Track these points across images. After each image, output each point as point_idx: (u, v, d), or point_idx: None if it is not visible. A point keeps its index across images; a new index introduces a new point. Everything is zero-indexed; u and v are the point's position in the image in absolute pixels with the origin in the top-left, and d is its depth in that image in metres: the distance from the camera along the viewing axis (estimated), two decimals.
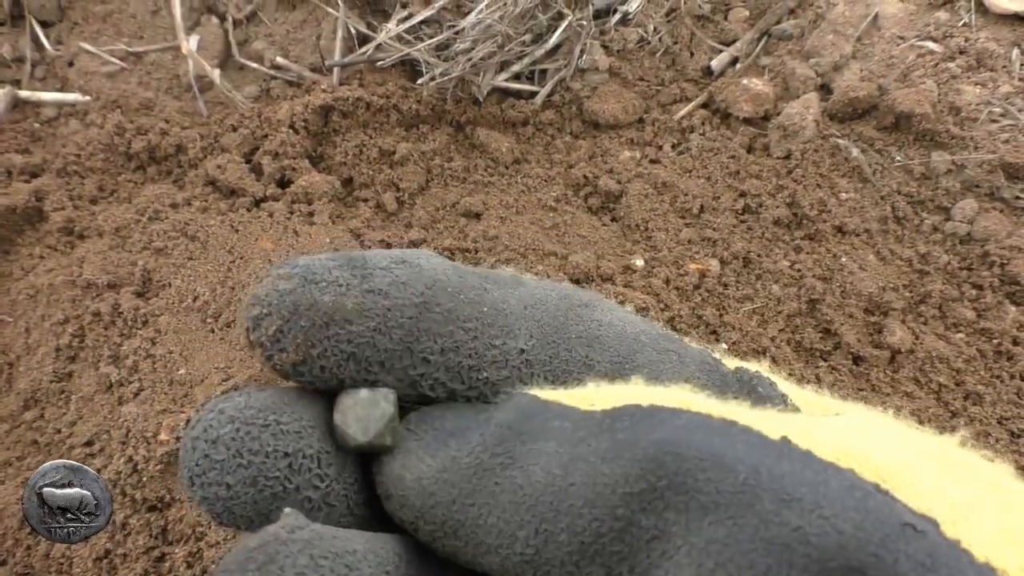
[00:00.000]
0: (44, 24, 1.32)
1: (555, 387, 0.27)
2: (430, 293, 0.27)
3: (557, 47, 1.21)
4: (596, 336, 0.29)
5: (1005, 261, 1.01)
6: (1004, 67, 1.14)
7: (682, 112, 1.20)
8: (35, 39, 1.30)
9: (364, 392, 0.27)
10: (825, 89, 1.20)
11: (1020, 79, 1.11)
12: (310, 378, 0.27)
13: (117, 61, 1.27)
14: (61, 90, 1.26)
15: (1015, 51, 1.14)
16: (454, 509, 0.23)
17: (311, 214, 1.08)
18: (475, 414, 0.26)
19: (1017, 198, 1.05)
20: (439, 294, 0.27)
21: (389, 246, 1.05)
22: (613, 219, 1.13)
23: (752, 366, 0.30)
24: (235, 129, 1.16)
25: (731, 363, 0.31)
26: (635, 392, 0.25)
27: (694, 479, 0.20)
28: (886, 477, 0.20)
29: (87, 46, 1.28)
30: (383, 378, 0.27)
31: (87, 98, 1.23)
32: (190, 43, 1.24)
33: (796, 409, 0.28)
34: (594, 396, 0.25)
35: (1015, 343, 0.97)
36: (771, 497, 0.19)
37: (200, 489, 0.25)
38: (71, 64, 1.28)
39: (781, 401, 0.28)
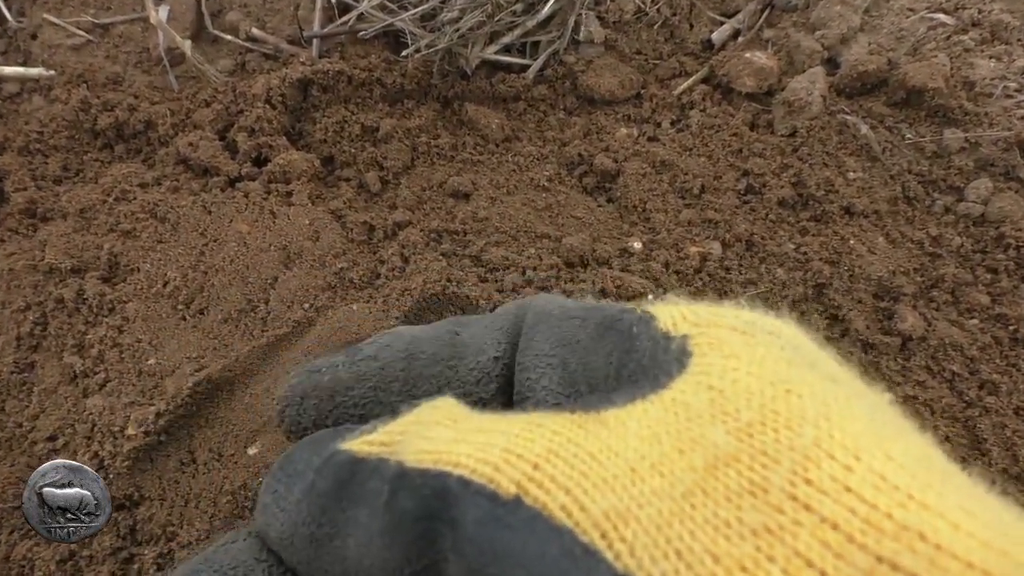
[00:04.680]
0: None
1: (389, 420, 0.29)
2: (413, 346, 0.33)
3: (550, 18, 1.16)
4: (527, 321, 0.33)
5: (1021, 243, 0.96)
6: (1019, 40, 1.09)
7: (682, 87, 1.15)
8: None
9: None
10: (832, 63, 1.15)
11: None
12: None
13: (83, 33, 1.20)
14: (24, 64, 1.20)
15: None
16: (309, 569, 0.26)
17: (289, 194, 1.02)
18: (319, 454, 0.28)
19: None
20: (421, 343, 0.33)
21: (372, 228, 1.00)
22: (609, 199, 1.07)
23: (656, 307, 0.31)
24: (208, 104, 1.10)
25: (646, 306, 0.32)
26: (413, 431, 0.27)
27: (446, 560, 0.22)
28: (610, 526, 0.20)
29: (51, 18, 1.21)
30: None
31: (51, 72, 1.16)
32: (160, 14, 1.17)
33: (683, 355, 0.27)
34: (395, 440, 0.27)
35: None
36: None
37: None
38: (34, 37, 1.22)
39: (646, 332, 0.29)
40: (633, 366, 0.28)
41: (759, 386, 0.23)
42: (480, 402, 0.32)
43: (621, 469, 0.22)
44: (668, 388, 0.25)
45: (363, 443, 0.27)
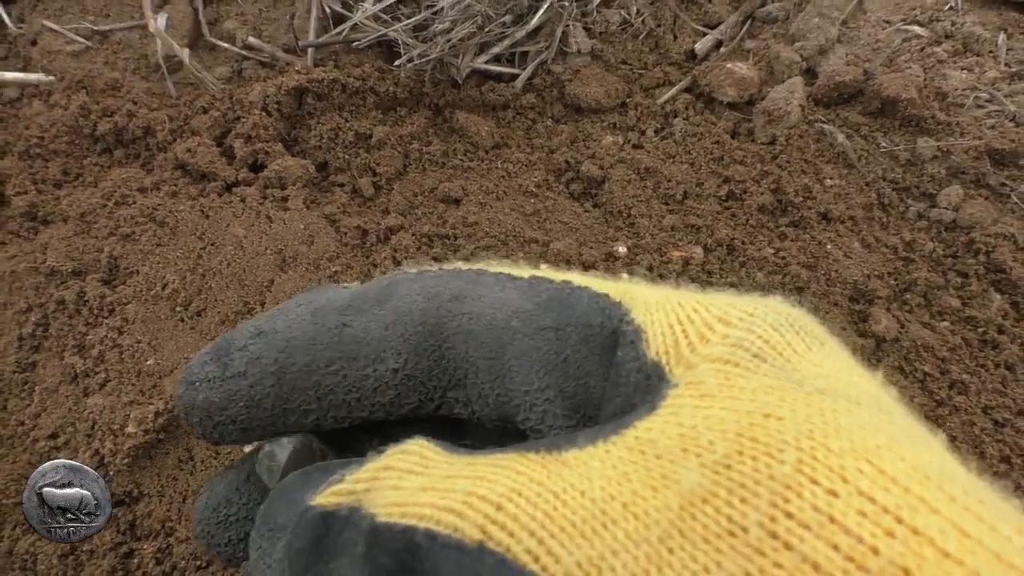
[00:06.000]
0: (5, 1, 1.27)
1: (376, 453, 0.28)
2: (283, 356, 0.31)
3: (538, 29, 1.19)
4: (469, 331, 0.30)
5: (990, 249, 1.00)
6: (990, 52, 1.12)
7: (665, 96, 1.18)
8: None
9: (267, 446, 0.31)
10: (810, 73, 1.18)
11: (1006, 64, 1.10)
12: (235, 445, 0.33)
13: (82, 40, 1.22)
14: (24, 70, 1.22)
15: (1001, 36, 1.13)
16: None
17: (285, 199, 1.05)
18: (296, 506, 0.28)
19: (1003, 185, 1.04)
20: (293, 353, 0.31)
21: (365, 232, 1.02)
22: (595, 205, 1.11)
23: (640, 303, 0.29)
24: (206, 111, 1.12)
25: (622, 292, 0.30)
26: (383, 479, 0.26)
27: None
28: (583, 573, 0.20)
29: (51, 24, 1.23)
30: (286, 432, 0.32)
31: (51, 78, 1.18)
32: (158, 22, 1.19)
33: (656, 368, 0.26)
34: (362, 489, 0.27)
35: (1000, 332, 0.96)
36: None
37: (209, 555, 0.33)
38: (34, 43, 1.23)
39: (634, 361, 0.27)
40: (621, 401, 0.27)
41: (734, 417, 0.22)
42: (379, 406, 0.31)
43: (590, 511, 0.21)
44: (632, 427, 0.24)
45: (331, 495, 0.27)
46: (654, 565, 0.19)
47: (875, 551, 0.17)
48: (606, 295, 0.29)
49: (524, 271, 0.32)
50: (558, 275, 0.31)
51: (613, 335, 0.28)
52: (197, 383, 0.32)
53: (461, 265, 0.33)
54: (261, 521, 0.29)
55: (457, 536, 0.22)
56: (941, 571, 0.17)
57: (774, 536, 0.18)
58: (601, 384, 0.28)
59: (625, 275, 0.99)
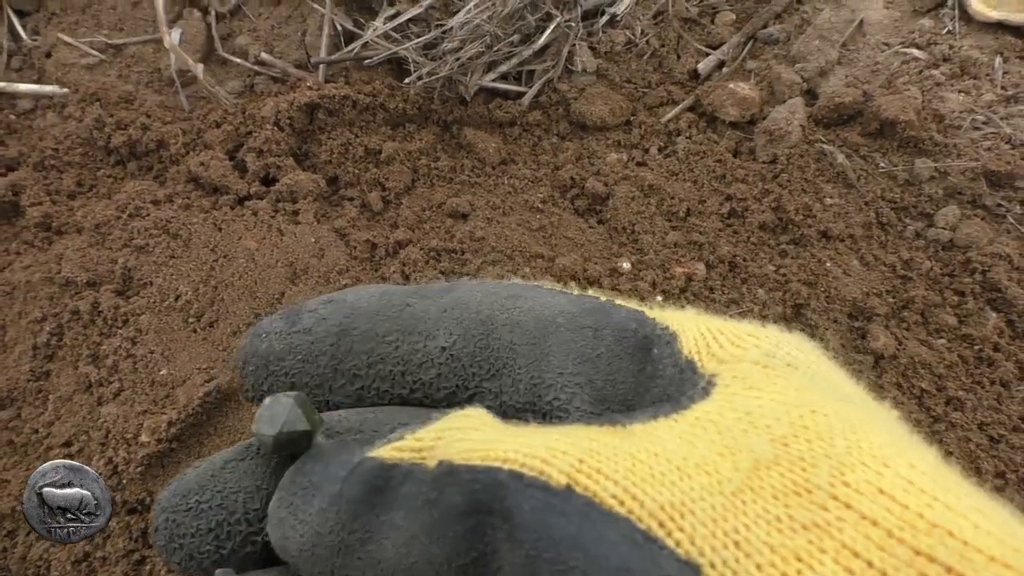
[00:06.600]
0: (20, 13, 1.29)
1: (425, 422, 0.28)
2: (348, 321, 0.33)
3: (545, 48, 1.21)
4: (517, 322, 0.32)
5: (986, 268, 1.02)
6: (987, 75, 1.15)
7: (669, 115, 1.21)
8: (11, 29, 1.27)
9: (268, 399, 0.30)
10: (811, 94, 1.21)
11: (1003, 87, 1.13)
12: None
13: (96, 53, 1.25)
14: (38, 82, 1.24)
15: (998, 59, 1.16)
16: None
17: (296, 213, 1.07)
18: (337, 465, 0.28)
19: (999, 205, 1.06)
20: (357, 319, 0.33)
21: (375, 246, 1.04)
22: (600, 221, 1.13)
23: (673, 319, 0.31)
24: (218, 125, 1.14)
25: (656, 313, 0.33)
26: (449, 436, 0.27)
27: (495, 552, 0.23)
28: (667, 517, 0.21)
29: (65, 37, 1.25)
30: (332, 398, 0.33)
31: (65, 90, 1.20)
32: (172, 36, 1.21)
33: (708, 386, 0.28)
34: (427, 446, 0.27)
35: (995, 349, 0.98)
36: (549, 569, 0.21)
37: (167, 562, 0.31)
38: (49, 55, 1.25)
39: (669, 357, 0.29)
40: (658, 392, 0.29)
41: (785, 408, 0.24)
42: (420, 384, 0.32)
43: (666, 467, 0.23)
44: (691, 409, 0.26)
45: (393, 450, 0.27)
46: (730, 512, 0.21)
47: (921, 516, 0.20)
48: (641, 311, 0.32)
49: (574, 290, 0.35)
50: (603, 296, 0.34)
51: (646, 340, 0.31)
52: (263, 335, 0.34)
53: (517, 279, 0.35)
54: (291, 480, 0.29)
55: (543, 479, 0.23)
56: (977, 535, 0.19)
57: (835, 497, 0.21)
58: (630, 382, 0.30)
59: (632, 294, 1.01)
